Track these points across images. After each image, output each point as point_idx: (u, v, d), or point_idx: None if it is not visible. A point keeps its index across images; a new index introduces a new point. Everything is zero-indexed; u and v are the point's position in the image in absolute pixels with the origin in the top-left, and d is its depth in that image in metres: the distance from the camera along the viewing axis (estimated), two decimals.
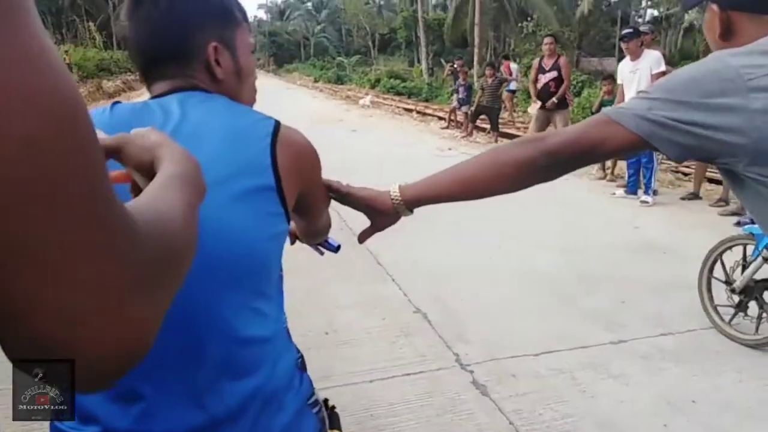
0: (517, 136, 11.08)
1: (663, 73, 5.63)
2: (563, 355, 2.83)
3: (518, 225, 5.05)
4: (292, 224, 1.27)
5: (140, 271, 0.35)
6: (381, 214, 1.13)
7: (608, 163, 7.17)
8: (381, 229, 1.18)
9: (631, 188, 6.00)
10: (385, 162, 8.07)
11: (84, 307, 0.32)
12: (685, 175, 6.99)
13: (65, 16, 39.46)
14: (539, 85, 7.87)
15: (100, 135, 0.47)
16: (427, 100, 19.47)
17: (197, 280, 0.83)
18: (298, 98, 21.20)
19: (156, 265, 0.37)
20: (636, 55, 5.68)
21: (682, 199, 5.90)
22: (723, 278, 3.12)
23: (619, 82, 6.06)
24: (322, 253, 1.44)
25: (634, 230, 4.92)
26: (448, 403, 2.43)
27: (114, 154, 0.60)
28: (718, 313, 3.11)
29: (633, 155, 5.83)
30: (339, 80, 30.95)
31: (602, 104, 7.05)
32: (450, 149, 9.50)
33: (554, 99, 7.49)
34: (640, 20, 28.02)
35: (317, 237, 1.29)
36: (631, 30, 6.01)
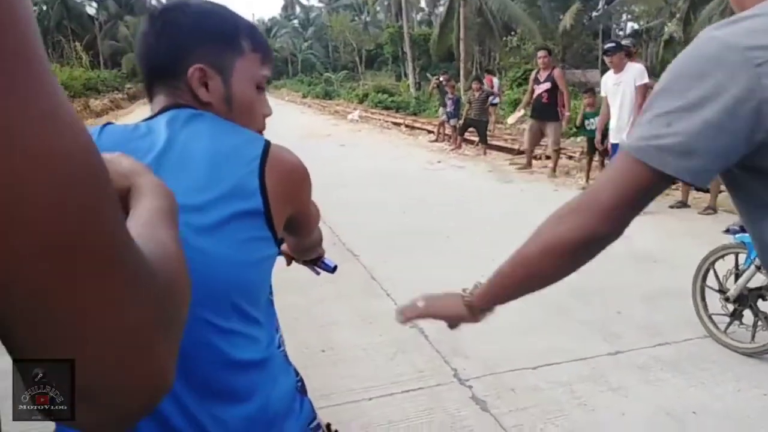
0: (506, 148, 11.18)
1: (646, 86, 5.71)
2: (561, 368, 2.82)
3: (510, 238, 5.03)
4: (284, 246, 1.26)
5: (159, 308, 0.36)
6: (461, 319, 1.13)
7: (596, 173, 7.24)
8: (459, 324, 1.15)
9: None
10: (376, 176, 8.09)
11: (122, 353, 0.33)
12: (673, 183, 7.07)
13: (51, 37, 39.36)
14: (534, 95, 8.00)
15: None
16: (415, 114, 19.57)
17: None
18: (286, 114, 21.23)
19: (169, 300, 0.38)
20: (619, 68, 5.77)
21: (671, 207, 5.95)
22: (716, 287, 3.14)
23: (603, 94, 6.13)
24: (318, 273, 1.43)
25: (624, 240, 4.87)
26: (448, 420, 2.41)
27: None
28: (713, 321, 3.12)
29: None
30: (327, 95, 31.08)
31: (585, 117, 7.14)
32: (439, 162, 9.54)
33: (567, 113, 7.86)
34: (621, 33, 28.56)
35: (309, 253, 1.28)
36: (614, 44, 6.10)
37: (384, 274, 4.11)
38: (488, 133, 10.96)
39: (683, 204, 5.97)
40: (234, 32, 0.95)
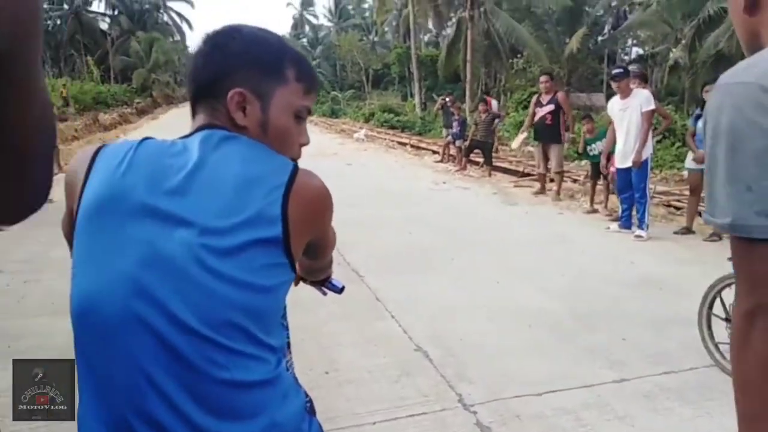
0: (510, 170, 11.21)
1: (653, 112, 5.76)
2: (567, 395, 2.80)
3: (515, 261, 5.06)
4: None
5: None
6: None
7: (601, 197, 7.25)
8: None
9: (625, 222, 6.05)
10: (382, 196, 8.12)
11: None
12: (677, 209, 7.07)
13: (63, 51, 39.90)
14: (536, 118, 8.04)
15: None
16: (420, 134, 19.67)
17: (191, 327, 0.85)
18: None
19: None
20: (626, 94, 5.81)
21: (676, 233, 5.95)
22: (723, 315, 3.12)
23: (612, 117, 6.15)
24: (325, 294, 1.43)
25: (629, 265, 4.94)
26: None
27: None
28: (719, 350, 3.10)
29: (627, 188, 5.91)
30: (333, 114, 31.29)
31: (586, 143, 7.19)
32: (444, 183, 9.57)
33: (571, 135, 8.15)
34: (626, 58, 28.75)
35: (319, 273, 1.29)
36: (621, 69, 6.15)
37: (389, 296, 4.11)
38: (493, 154, 11.02)
39: (688, 230, 5.96)
40: (279, 60, 0.98)
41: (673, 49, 19.40)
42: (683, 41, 18.58)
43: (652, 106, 5.73)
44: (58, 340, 3.34)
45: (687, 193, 6.55)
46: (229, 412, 0.87)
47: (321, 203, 0.95)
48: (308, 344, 3.19)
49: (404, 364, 3.09)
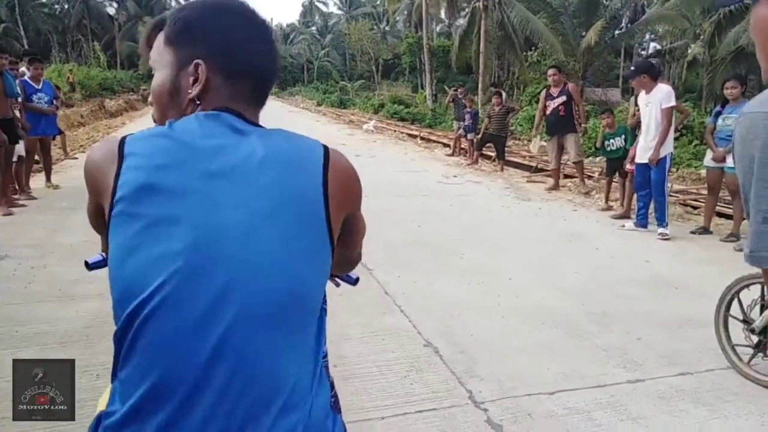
0: (523, 165, 11.11)
1: (672, 108, 5.61)
2: (579, 394, 2.74)
3: (527, 257, 4.99)
4: None
5: None
6: None
7: (615, 195, 7.15)
8: None
9: (641, 221, 5.95)
10: (392, 188, 8.05)
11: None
12: (695, 208, 6.95)
13: (71, 36, 39.98)
14: (548, 111, 8.03)
15: None
16: (430, 126, 19.57)
17: (245, 316, 0.84)
18: (301, 121, 21.33)
19: None
20: (649, 89, 5.68)
21: (692, 233, 5.84)
22: (740, 317, 3.05)
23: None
24: (338, 285, 1.40)
25: (645, 264, 4.85)
26: None
27: None
28: (736, 353, 3.03)
29: (646, 186, 5.80)
30: (342, 104, 31.19)
31: (605, 138, 7.06)
32: (455, 176, 9.49)
33: (584, 125, 8.06)
34: (643, 53, 28.40)
35: (350, 266, 1.25)
36: (632, 69, 6.15)
37: (398, 289, 4.06)
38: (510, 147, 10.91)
39: (705, 230, 5.86)
40: None
41: (692, 45, 19.11)
42: (702, 37, 18.29)
43: (672, 103, 5.58)
44: (64, 326, 3.33)
45: (704, 192, 6.42)
46: (276, 405, 0.86)
47: (354, 179, 0.99)
48: None
49: (414, 360, 3.04)
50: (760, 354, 2.94)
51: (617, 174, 6.93)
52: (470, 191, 8.21)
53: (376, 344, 3.21)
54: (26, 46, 28.72)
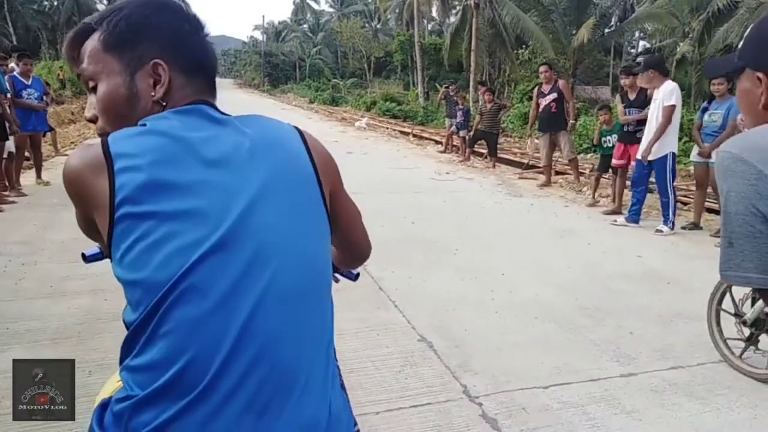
0: (514, 161, 11.13)
1: (672, 107, 5.56)
2: (573, 388, 2.76)
3: (520, 253, 5.01)
4: None
5: None
6: None
7: (608, 191, 7.18)
8: None
9: (632, 217, 5.98)
10: (384, 185, 8.05)
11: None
12: (684, 204, 7.00)
13: (60, 32, 39.53)
14: (541, 108, 8.10)
15: None
16: (422, 124, 19.59)
17: (271, 295, 0.85)
18: (293, 119, 21.11)
19: None
20: (656, 85, 5.62)
21: (683, 228, 5.89)
22: (732, 310, 3.08)
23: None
24: (337, 281, 1.39)
25: (636, 259, 4.88)
26: None
27: None
28: (728, 346, 3.06)
29: (642, 182, 5.82)
30: (334, 102, 31.12)
31: (602, 134, 7.09)
32: (448, 173, 9.50)
33: (572, 121, 8.10)
34: (632, 51, 28.56)
35: (356, 259, 1.23)
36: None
37: (392, 285, 4.06)
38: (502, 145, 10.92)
39: (695, 226, 5.90)
40: None
41: (681, 43, 19.24)
42: (691, 35, 18.41)
43: (673, 102, 5.51)
44: (56, 323, 3.30)
45: (693, 188, 6.47)
46: (306, 391, 0.88)
47: (329, 153, 1.02)
48: None
49: (408, 354, 3.04)
50: (752, 347, 2.97)
51: (610, 170, 6.97)
52: (462, 188, 8.23)
53: (370, 339, 3.21)
54: (15, 43, 28.41)
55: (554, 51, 18.15)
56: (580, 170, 8.56)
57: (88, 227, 0.91)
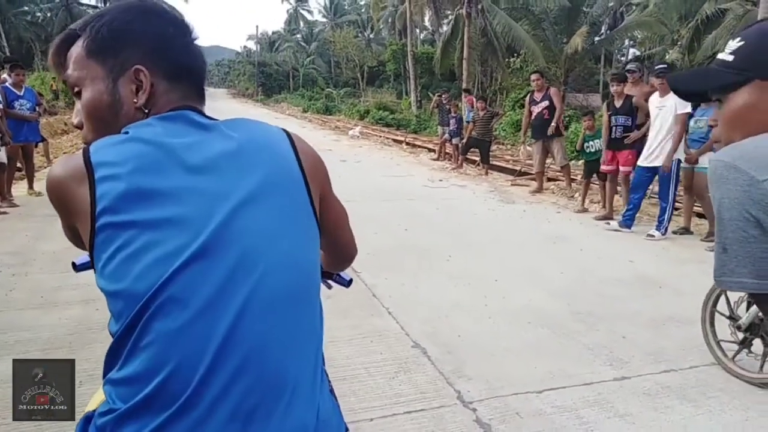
0: (507, 168, 11.17)
1: (687, 114, 5.56)
2: (567, 392, 2.76)
3: (513, 259, 5.02)
4: None
5: None
6: None
7: (598, 197, 7.22)
8: None
9: (626, 222, 6.00)
10: (378, 192, 8.06)
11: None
12: (675, 209, 7.04)
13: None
14: (533, 115, 8.16)
15: None
16: (416, 132, 19.66)
17: (257, 300, 0.84)
18: (287, 127, 21.19)
19: None
20: (665, 92, 5.59)
21: (674, 233, 5.92)
22: (727, 313, 3.09)
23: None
24: (329, 287, 1.38)
25: (628, 264, 4.90)
26: None
27: None
28: (721, 348, 3.07)
29: (642, 188, 5.85)
30: (328, 111, 31.19)
31: (585, 140, 7.16)
32: (441, 180, 9.52)
33: (553, 124, 7.92)
34: (623, 59, 28.80)
35: (343, 261, 1.23)
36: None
37: (385, 292, 4.06)
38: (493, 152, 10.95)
39: (686, 230, 5.94)
40: None
41: (670, 51, 19.43)
42: (680, 42, 18.60)
43: (688, 109, 5.51)
44: (46, 333, 3.27)
45: (682, 193, 6.51)
46: (295, 396, 0.88)
47: (318, 156, 1.01)
48: None
49: (401, 361, 3.04)
50: (745, 350, 2.98)
51: (596, 176, 7.02)
52: (455, 195, 8.25)
53: (364, 346, 3.21)
54: (8, 55, 28.36)
55: (545, 59, 18.30)
56: (571, 176, 8.61)
57: (73, 236, 0.90)
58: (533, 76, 8.42)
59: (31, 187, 7.35)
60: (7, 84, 7.00)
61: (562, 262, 4.88)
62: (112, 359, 0.84)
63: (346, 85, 43.62)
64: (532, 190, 8.44)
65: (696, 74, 1.00)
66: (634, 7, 24.18)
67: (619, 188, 6.90)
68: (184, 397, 0.79)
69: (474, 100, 12.24)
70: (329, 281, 1.35)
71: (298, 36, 64.76)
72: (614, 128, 6.42)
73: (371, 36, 50.91)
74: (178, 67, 0.94)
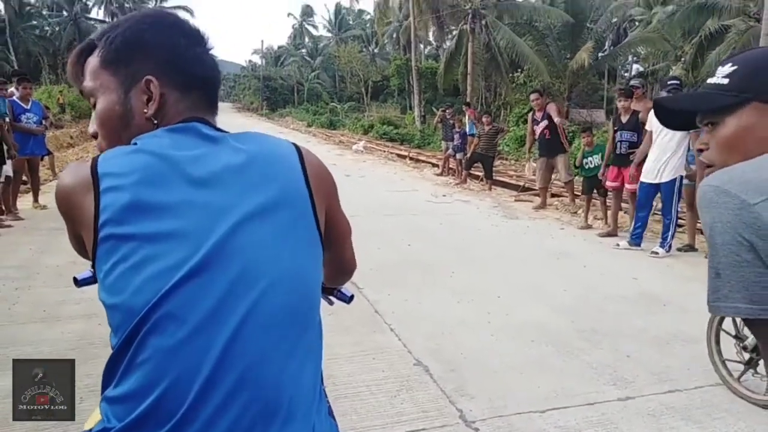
0: (510, 184, 11.18)
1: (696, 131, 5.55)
2: (570, 413, 2.73)
3: (516, 275, 5.00)
4: None
5: None
6: None
7: (598, 213, 7.21)
8: None
9: (635, 240, 5.96)
10: (381, 207, 8.07)
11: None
12: (680, 226, 7.02)
13: (61, 58, 39.90)
14: (536, 135, 8.24)
15: None
16: (419, 147, 19.72)
17: (254, 317, 0.83)
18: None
19: None
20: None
21: (679, 250, 5.89)
22: (733, 332, 3.06)
23: (648, 128, 5.88)
24: (331, 303, 1.37)
25: (632, 282, 4.88)
26: None
27: None
28: (726, 368, 3.04)
29: (648, 206, 5.83)
30: (332, 125, 31.35)
31: (584, 156, 7.17)
32: (444, 196, 9.53)
33: (563, 141, 8.03)
34: (626, 75, 28.92)
35: (346, 271, 1.22)
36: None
37: (387, 308, 4.04)
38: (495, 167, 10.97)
39: (691, 247, 5.91)
40: None
41: (673, 67, 19.50)
42: (683, 58, 18.68)
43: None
44: (48, 348, 3.27)
45: (685, 209, 6.50)
46: (291, 416, 0.86)
47: (327, 170, 1.00)
48: None
49: (403, 379, 3.02)
50: (751, 371, 2.95)
51: (596, 192, 7.02)
52: (459, 210, 8.25)
53: (365, 363, 3.19)
54: (16, 68, 28.69)
55: (549, 75, 18.40)
56: (575, 192, 8.61)
57: (79, 245, 0.91)
58: (532, 96, 8.44)
59: (36, 200, 7.38)
60: (14, 97, 7.07)
61: (565, 279, 4.86)
62: (109, 375, 0.84)
63: (351, 100, 43.87)
64: (535, 206, 8.43)
65: (687, 97, 0.98)
66: (637, 23, 24.33)
67: (625, 205, 6.89)
68: (179, 415, 0.78)
69: (475, 112, 12.30)
70: (330, 297, 1.34)
71: (303, 50, 65.30)
72: (619, 144, 6.42)
73: (375, 51, 51.29)
74: (190, 77, 0.94)
